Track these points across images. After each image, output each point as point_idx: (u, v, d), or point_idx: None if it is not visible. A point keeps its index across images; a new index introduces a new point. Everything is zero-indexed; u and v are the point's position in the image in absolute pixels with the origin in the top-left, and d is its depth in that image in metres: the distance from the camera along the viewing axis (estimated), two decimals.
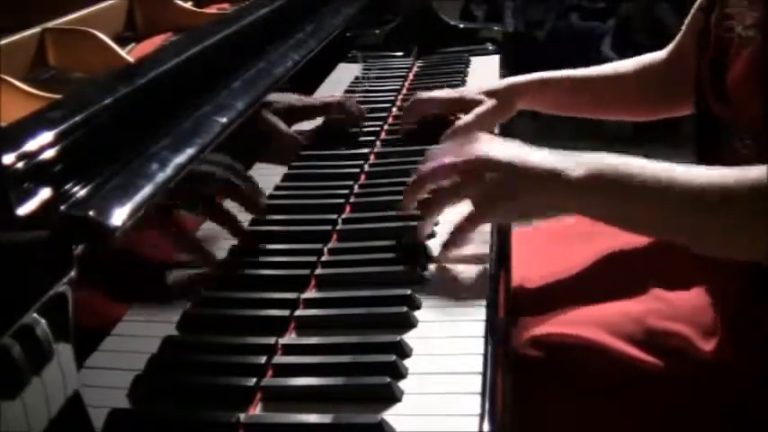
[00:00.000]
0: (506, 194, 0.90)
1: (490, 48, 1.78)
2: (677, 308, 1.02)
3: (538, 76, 1.30)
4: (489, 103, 1.25)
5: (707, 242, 0.91)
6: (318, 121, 1.28)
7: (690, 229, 0.89)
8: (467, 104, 1.26)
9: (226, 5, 1.37)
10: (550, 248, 1.23)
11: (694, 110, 1.12)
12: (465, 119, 1.23)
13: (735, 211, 0.86)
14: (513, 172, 0.89)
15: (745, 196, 0.84)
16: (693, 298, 1.03)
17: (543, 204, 0.90)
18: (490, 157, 0.90)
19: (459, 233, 0.93)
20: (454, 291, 0.87)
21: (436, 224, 1.00)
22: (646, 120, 1.36)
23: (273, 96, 1.10)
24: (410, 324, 0.81)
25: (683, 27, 1.22)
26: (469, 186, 0.91)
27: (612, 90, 1.30)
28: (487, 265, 0.91)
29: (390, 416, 0.68)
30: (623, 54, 1.33)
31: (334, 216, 1.02)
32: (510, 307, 0.89)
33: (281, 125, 1.13)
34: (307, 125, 1.27)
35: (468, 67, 1.65)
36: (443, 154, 0.95)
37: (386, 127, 1.32)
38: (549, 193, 0.89)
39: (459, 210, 0.94)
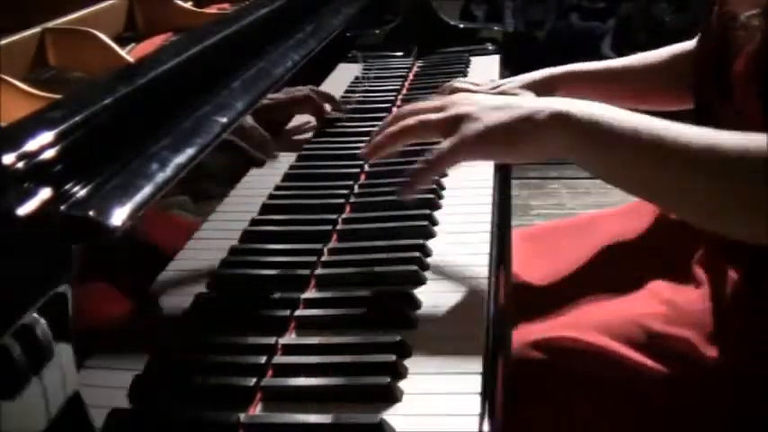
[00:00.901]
0: (495, 134, 0.84)
1: (490, 48, 1.78)
2: (681, 311, 1.02)
3: (573, 67, 1.29)
4: (527, 95, 1.24)
5: (691, 207, 0.85)
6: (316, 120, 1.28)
7: (679, 190, 0.83)
8: None
9: (226, 5, 1.37)
10: (551, 249, 1.23)
11: (694, 107, 1.12)
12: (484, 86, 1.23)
13: (732, 180, 0.80)
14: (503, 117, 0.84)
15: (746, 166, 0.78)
16: (697, 301, 1.03)
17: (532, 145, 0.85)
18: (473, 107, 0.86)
19: (428, 170, 0.85)
20: (454, 291, 0.87)
21: (436, 224, 1.00)
22: (679, 108, 1.36)
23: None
24: (410, 324, 0.81)
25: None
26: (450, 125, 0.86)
27: (646, 80, 1.29)
28: (487, 265, 0.91)
29: (390, 416, 0.68)
30: (623, 54, 1.33)
31: (334, 216, 1.02)
32: (510, 308, 0.89)
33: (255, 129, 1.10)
34: (306, 124, 1.27)
35: (468, 67, 1.65)
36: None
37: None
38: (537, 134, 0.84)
39: (459, 210, 0.94)
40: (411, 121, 0.89)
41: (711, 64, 1.05)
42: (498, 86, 1.29)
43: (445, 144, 0.85)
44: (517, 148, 0.86)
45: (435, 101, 0.91)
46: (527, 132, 0.84)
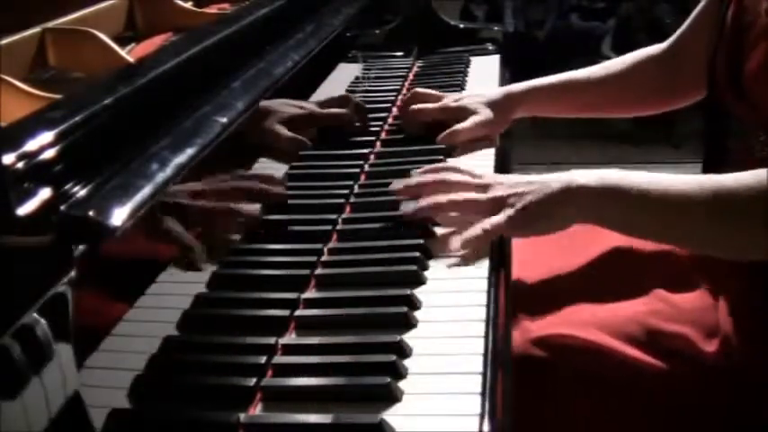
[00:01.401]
0: (537, 211, 0.93)
1: (490, 48, 1.78)
2: (680, 309, 1.02)
3: (532, 84, 1.29)
4: (486, 112, 1.25)
5: (710, 245, 0.94)
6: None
7: (693, 233, 0.93)
8: (462, 113, 1.26)
9: (226, 5, 1.37)
10: (550, 248, 1.23)
11: (707, 105, 1.12)
12: (462, 125, 1.23)
13: (734, 214, 0.88)
14: (539, 192, 0.93)
15: (744, 199, 0.87)
16: (696, 299, 1.03)
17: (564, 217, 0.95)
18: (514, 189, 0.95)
19: (484, 237, 0.93)
20: (454, 291, 0.87)
21: (436, 225, 1.00)
22: (645, 114, 1.36)
23: (276, 104, 1.10)
24: (410, 324, 0.81)
25: (689, 20, 1.22)
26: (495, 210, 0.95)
27: (608, 89, 1.30)
28: (487, 265, 0.91)
29: (390, 416, 0.68)
30: (623, 54, 1.33)
31: (334, 216, 1.02)
32: (510, 307, 0.89)
33: (283, 130, 1.13)
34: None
35: (468, 67, 1.65)
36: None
37: (386, 127, 1.32)
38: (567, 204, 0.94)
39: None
40: (458, 197, 0.98)
41: (726, 63, 1.05)
42: (459, 99, 1.30)
43: (499, 217, 0.94)
44: (551, 222, 0.96)
45: (474, 177, 1.01)
46: (558, 209, 0.94)
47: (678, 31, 1.25)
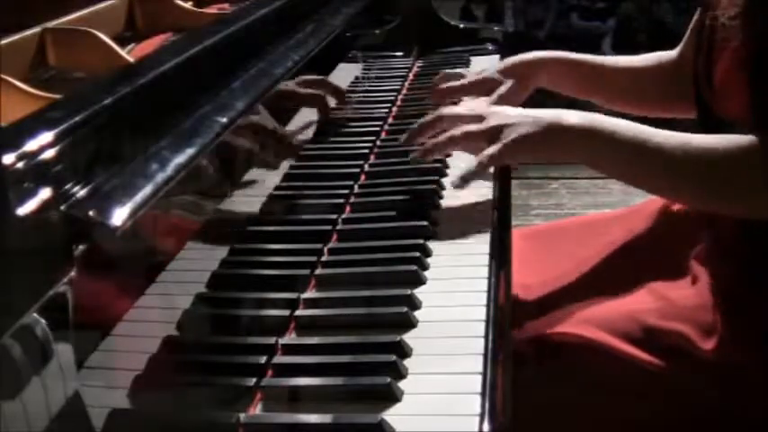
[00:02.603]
0: (536, 141, 1.00)
1: (490, 48, 1.78)
2: (677, 306, 1.02)
3: (560, 55, 1.31)
4: (509, 83, 1.27)
5: (691, 194, 1.01)
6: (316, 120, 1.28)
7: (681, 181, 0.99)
8: (490, 85, 1.28)
9: (226, 5, 1.37)
10: (550, 248, 1.23)
11: (695, 106, 1.13)
12: (488, 100, 1.25)
13: (721, 167, 0.95)
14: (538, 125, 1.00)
15: (732, 156, 0.94)
16: (694, 296, 1.04)
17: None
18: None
19: (480, 168, 1.00)
20: (454, 291, 0.87)
21: (436, 225, 1.00)
22: (653, 116, 1.36)
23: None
24: (410, 324, 0.81)
25: (689, 28, 1.22)
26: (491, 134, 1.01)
27: (629, 83, 1.31)
28: (487, 265, 0.91)
29: (390, 416, 0.68)
30: (623, 54, 1.33)
31: (334, 216, 1.02)
32: (510, 306, 0.89)
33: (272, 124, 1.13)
34: (305, 123, 1.27)
35: (468, 67, 1.65)
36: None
37: (386, 127, 1.32)
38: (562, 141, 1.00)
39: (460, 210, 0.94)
40: (457, 132, 1.04)
41: (702, 67, 1.06)
42: (481, 72, 1.32)
43: (493, 148, 1.00)
44: (544, 152, 1.04)
45: (471, 107, 1.08)
46: (546, 145, 1.02)
47: (682, 40, 1.25)
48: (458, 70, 1.40)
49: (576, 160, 1.02)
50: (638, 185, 1.06)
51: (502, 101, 1.24)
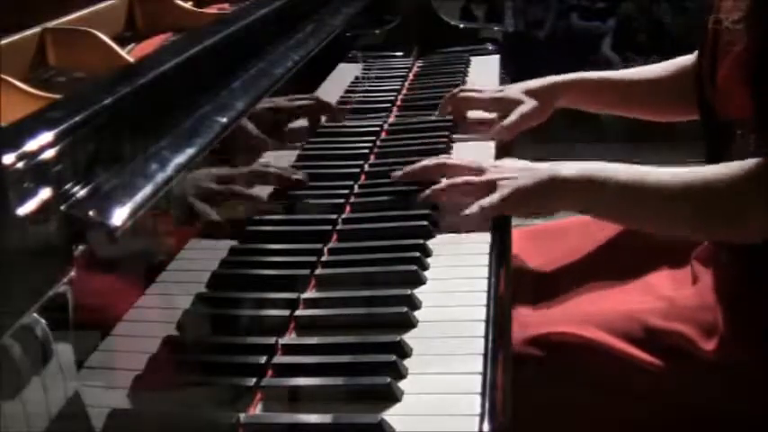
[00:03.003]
0: (533, 194, 1.00)
1: (490, 48, 1.78)
2: (678, 306, 1.02)
3: (577, 76, 1.33)
4: (531, 103, 1.28)
5: (689, 228, 1.02)
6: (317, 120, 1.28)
7: (682, 217, 1.00)
8: (508, 104, 1.29)
9: (226, 5, 1.37)
10: (550, 247, 1.23)
11: (698, 107, 1.13)
12: (510, 119, 1.26)
13: (718, 198, 0.96)
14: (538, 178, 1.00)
15: (725, 184, 0.95)
16: (694, 296, 1.04)
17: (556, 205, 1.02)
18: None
19: (475, 214, 0.99)
20: (454, 291, 0.87)
21: (436, 225, 1.00)
22: (677, 120, 1.38)
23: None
24: (410, 324, 0.81)
25: None
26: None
27: (652, 95, 1.32)
28: (487, 265, 0.91)
29: (390, 416, 0.68)
30: (623, 54, 1.33)
31: (334, 216, 1.02)
32: (510, 306, 0.89)
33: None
34: (305, 124, 1.27)
35: (468, 67, 1.65)
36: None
37: (386, 127, 1.32)
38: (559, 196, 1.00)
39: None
40: (457, 180, 1.04)
41: (707, 69, 1.06)
42: (501, 91, 1.33)
43: (491, 198, 1.00)
44: (539, 206, 1.04)
45: (472, 159, 1.09)
46: (544, 197, 1.01)
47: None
48: (474, 88, 1.40)
49: (573, 210, 1.05)
50: (641, 228, 1.08)
51: (523, 120, 1.26)
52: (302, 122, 1.26)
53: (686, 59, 1.29)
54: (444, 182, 1.05)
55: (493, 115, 1.32)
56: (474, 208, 0.99)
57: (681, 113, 1.33)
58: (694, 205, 0.97)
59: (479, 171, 1.04)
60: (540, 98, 1.29)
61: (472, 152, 1.22)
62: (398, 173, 1.09)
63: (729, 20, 1.00)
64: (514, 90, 1.32)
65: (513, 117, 1.26)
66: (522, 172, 1.01)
